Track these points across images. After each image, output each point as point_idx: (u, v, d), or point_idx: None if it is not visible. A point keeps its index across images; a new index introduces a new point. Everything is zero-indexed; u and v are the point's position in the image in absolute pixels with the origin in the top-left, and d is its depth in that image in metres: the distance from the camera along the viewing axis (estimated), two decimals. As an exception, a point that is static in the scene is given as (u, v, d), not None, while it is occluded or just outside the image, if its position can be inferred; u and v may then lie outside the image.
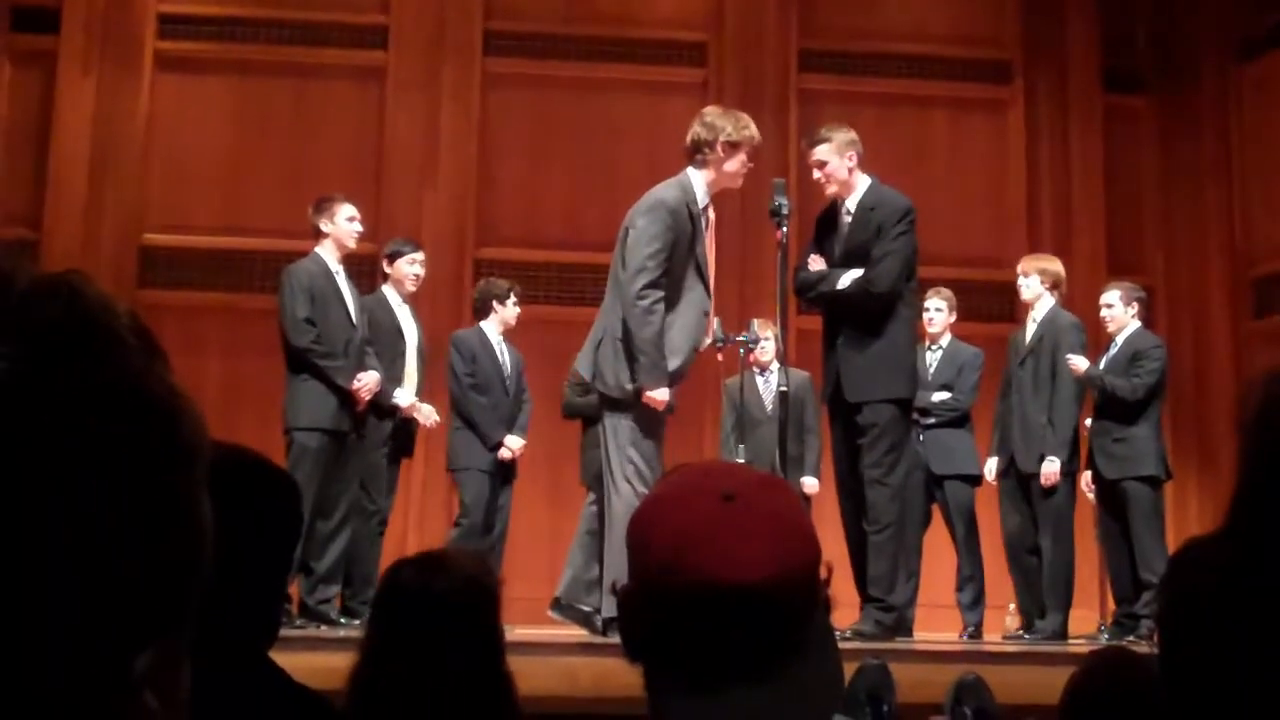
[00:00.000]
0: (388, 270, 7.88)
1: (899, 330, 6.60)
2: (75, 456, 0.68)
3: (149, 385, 0.72)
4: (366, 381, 7.12)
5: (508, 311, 8.20)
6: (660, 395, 5.98)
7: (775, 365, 8.44)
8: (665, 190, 6.16)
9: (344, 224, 7.33)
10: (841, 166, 6.70)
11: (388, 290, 7.83)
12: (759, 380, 8.56)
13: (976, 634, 7.95)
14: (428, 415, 7.80)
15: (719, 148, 6.11)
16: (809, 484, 8.51)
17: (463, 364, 7.94)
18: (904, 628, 6.72)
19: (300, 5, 10.55)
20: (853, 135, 6.76)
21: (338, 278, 7.28)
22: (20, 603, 0.66)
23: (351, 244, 7.39)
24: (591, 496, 6.64)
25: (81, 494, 0.68)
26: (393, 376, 7.56)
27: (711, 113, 6.28)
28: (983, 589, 8.09)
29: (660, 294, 6.00)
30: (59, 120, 10.17)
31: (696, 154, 6.17)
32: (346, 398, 7.05)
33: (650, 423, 6.12)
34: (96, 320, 0.71)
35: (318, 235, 7.33)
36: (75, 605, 0.68)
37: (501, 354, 8.15)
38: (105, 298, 0.73)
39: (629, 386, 6.04)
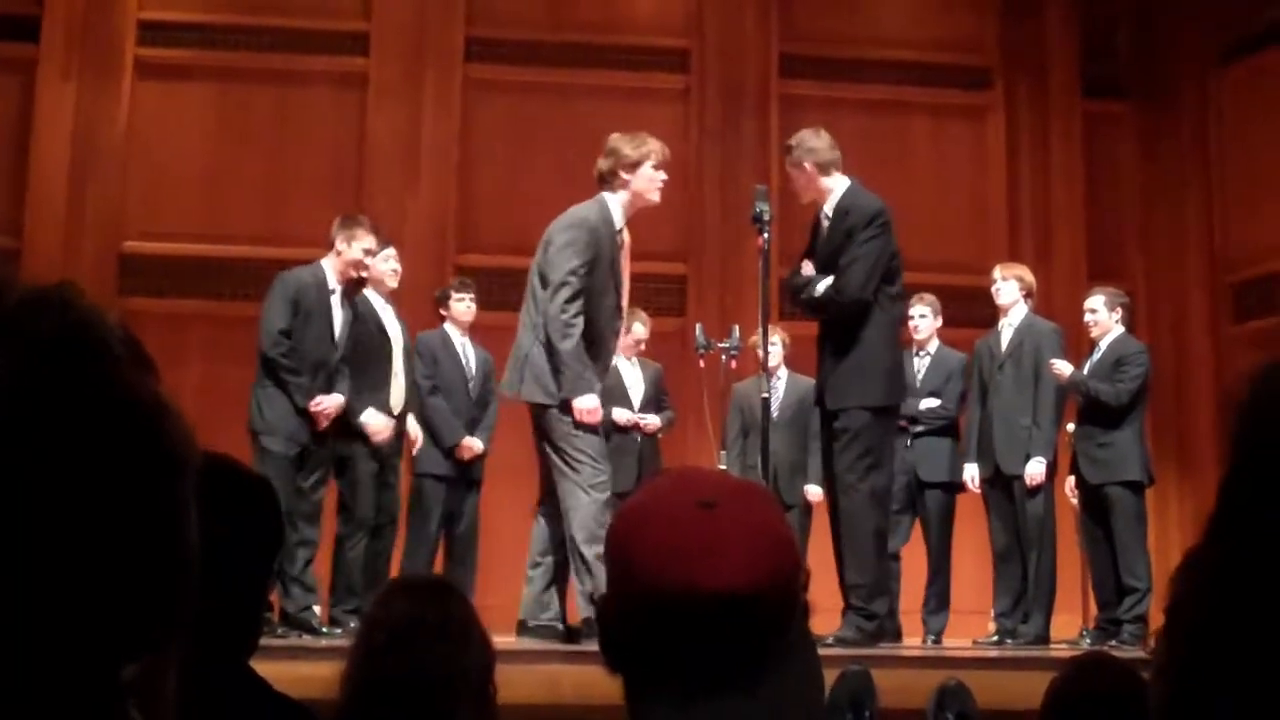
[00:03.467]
0: (363, 273, 7.73)
1: (874, 336, 6.53)
2: (63, 467, 0.68)
3: (138, 398, 0.72)
4: (326, 405, 7.02)
5: (456, 310, 8.13)
6: (588, 403, 6.13)
7: (783, 371, 8.48)
8: (586, 209, 6.36)
9: (356, 252, 7.24)
10: (802, 177, 6.75)
11: (369, 292, 7.64)
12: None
13: (939, 640, 7.98)
14: (413, 432, 7.78)
15: (621, 171, 6.36)
16: (813, 491, 8.51)
17: (422, 367, 7.90)
18: (889, 634, 6.71)
19: (281, 12, 10.53)
20: (812, 143, 6.73)
21: (333, 295, 7.21)
22: (6, 612, 0.66)
23: (354, 273, 7.30)
24: (547, 509, 6.61)
25: (68, 504, 0.68)
26: (379, 382, 7.49)
27: (613, 139, 6.51)
28: (948, 595, 8.13)
29: (580, 308, 6.16)
30: (39, 127, 10.14)
31: (603, 183, 6.43)
32: (306, 414, 7.02)
33: (595, 429, 6.25)
34: (88, 332, 0.72)
35: (330, 247, 7.29)
36: (61, 615, 0.68)
37: (465, 355, 8.10)
38: (97, 310, 0.73)
39: (556, 394, 6.17)
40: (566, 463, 6.22)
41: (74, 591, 0.68)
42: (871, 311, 6.53)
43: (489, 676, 2.44)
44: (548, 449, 6.28)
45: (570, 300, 6.14)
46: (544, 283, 6.28)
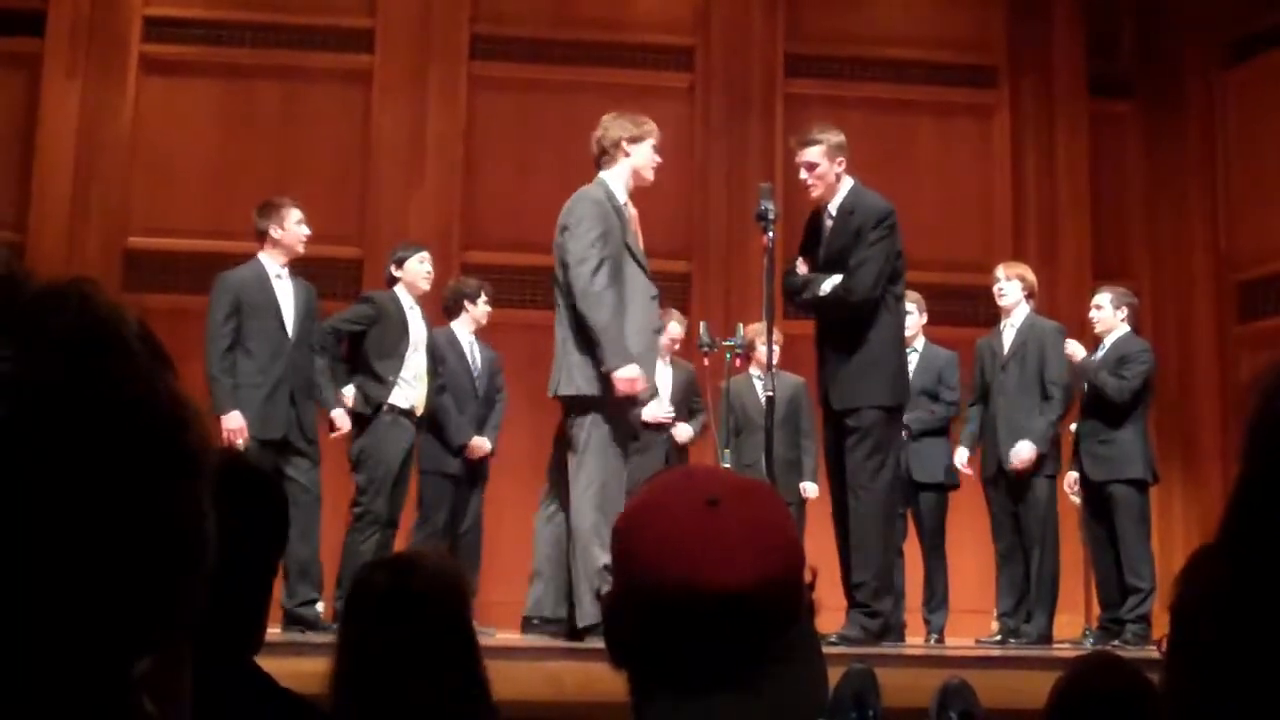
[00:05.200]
0: (397, 274, 7.74)
1: (881, 336, 6.56)
2: (80, 461, 0.68)
3: (157, 393, 0.72)
4: (228, 425, 6.90)
5: (478, 310, 8.13)
6: (630, 373, 6.03)
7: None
8: (586, 189, 6.37)
9: (294, 228, 7.27)
10: (830, 170, 6.72)
11: (399, 290, 7.72)
12: (758, 384, 8.50)
13: (940, 639, 7.98)
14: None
15: (624, 144, 6.38)
16: (808, 489, 8.50)
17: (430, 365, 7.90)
18: (892, 633, 6.72)
19: (286, 9, 10.53)
20: (842, 139, 6.77)
21: (276, 282, 7.22)
22: (20, 605, 0.66)
23: (301, 249, 7.32)
24: (549, 509, 6.57)
25: (85, 499, 0.68)
26: (384, 374, 7.49)
27: (607, 119, 6.53)
28: (947, 594, 8.13)
29: (608, 279, 6.11)
30: (44, 123, 10.14)
31: (603, 157, 6.43)
32: (276, 404, 7.02)
33: (623, 428, 6.19)
34: (105, 327, 0.71)
35: (262, 239, 7.28)
36: (75, 609, 0.68)
37: (472, 354, 8.09)
38: (115, 305, 0.73)
39: (597, 379, 6.09)
40: (579, 479, 6.13)
41: (84, 586, 0.68)
42: (879, 312, 6.55)
43: (469, 648, 2.44)
44: (573, 453, 6.19)
45: (596, 271, 6.09)
46: (565, 269, 6.23)
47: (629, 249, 6.29)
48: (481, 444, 7.96)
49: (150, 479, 0.70)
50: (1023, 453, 7.69)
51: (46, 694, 0.67)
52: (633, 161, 6.41)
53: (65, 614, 0.67)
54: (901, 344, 6.85)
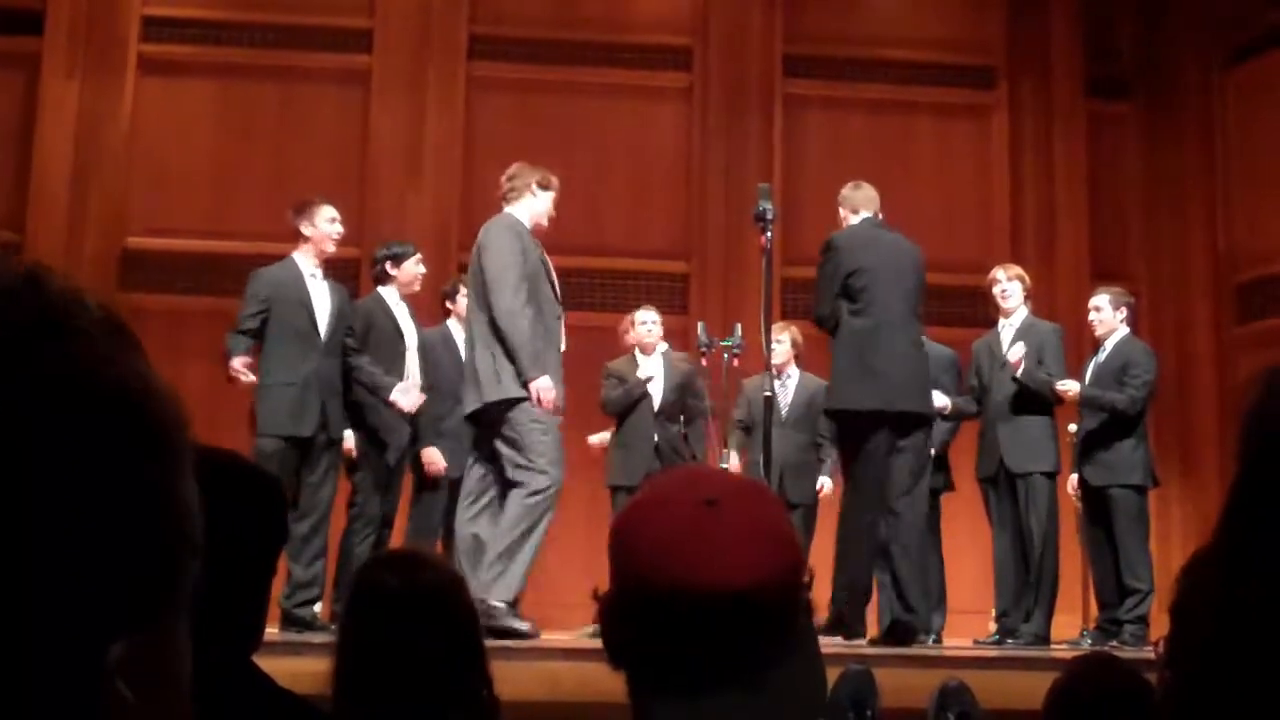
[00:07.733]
0: (393, 272, 7.69)
1: (838, 348, 6.85)
2: (32, 445, 0.67)
3: (112, 373, 0.72)
4: (233, 366, 7.07)
5: (460, 307, 8.11)
6: (545, 383, 6.33)
7: (794, 370, 8.45)
8: (500, 216, 6.77)
9: (325, 225, 7.27)
10: (845, 218, 7.19)
11: (386, 291, 7.70)
12: (775, 383, 8.49)
13: (937, 639, 7.97)
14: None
15: (532, 188, 6.78)
16: (825, 484, 8.54)
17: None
18: (851, 630, 6.89)
19: (285, 9, 10.54)
20: (845, 192, 7.20)
21: (310, 281, 7.22)
22: None
23: (331, 247, 7.32)
24: (472, 511, 6.68)
25: (38, 482, 0.67)
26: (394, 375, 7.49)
27: (515, 167, 6.92)
28: (944, 594, 8.12)
29: (526, 296, 6.46)
30: (42, 123, 10.14)
31: (511, 193, 6.82)
32: (307, 401, 7.01)
33: (547, 417, 6.45)
34: (57, 312, 0.71)
35: (298, 238, 7.30)
36: (35, 591, 0.67)
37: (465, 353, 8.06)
38: (68, 290, 0.73)
39: (517, 383, 6.38)
40: (519, 467, 6.40)
41: (45, 570, 0.67)
42: (841, 326, 6.84)
43: (474, 645, 2.43)
44: (499, 444, 6.45)
45: (516, 289, 6.43)
46: (484, 289, 6.54)
47: (544, 269, 6.64)
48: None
49: (107, 459, 0.70)
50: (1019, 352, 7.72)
51: (9, 679, 0.67)
52: (537, 203, 6.79)
53: (25, 596, 0.67)
54: (864, 353, 6.79)
